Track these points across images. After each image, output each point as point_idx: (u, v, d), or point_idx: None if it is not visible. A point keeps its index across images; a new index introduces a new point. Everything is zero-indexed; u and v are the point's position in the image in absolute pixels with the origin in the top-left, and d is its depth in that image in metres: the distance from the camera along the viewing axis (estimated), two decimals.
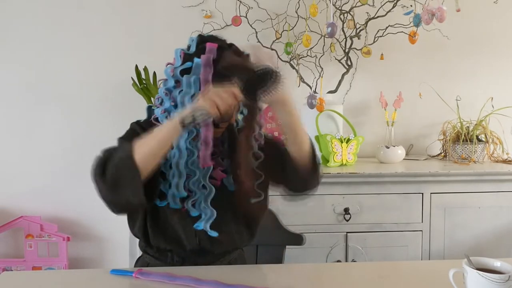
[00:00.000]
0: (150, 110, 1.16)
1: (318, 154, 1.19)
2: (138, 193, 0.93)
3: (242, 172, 1.05)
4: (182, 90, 1.03)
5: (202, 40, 1.05)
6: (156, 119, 1.08)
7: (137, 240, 1.18)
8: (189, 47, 1.07)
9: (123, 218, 1.16)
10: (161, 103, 1.07)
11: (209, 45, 1.02)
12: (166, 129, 0.96)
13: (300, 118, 1.07)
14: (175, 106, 1.05)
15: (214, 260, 1.15)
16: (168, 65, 1.08)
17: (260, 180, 1.08)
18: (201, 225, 1.07)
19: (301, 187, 1.17)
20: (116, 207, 0.98)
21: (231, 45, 1.08)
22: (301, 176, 1.11)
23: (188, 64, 1.03)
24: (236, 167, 1.07)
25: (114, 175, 0.92)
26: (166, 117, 1.06)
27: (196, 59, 1.02)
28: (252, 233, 1.19)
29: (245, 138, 1.06)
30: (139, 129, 1.10)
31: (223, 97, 0.94)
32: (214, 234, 1.07)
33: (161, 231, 1.10)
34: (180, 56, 1.05)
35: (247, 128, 1.06)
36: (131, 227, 1.16)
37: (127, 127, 1.13)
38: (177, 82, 1.04)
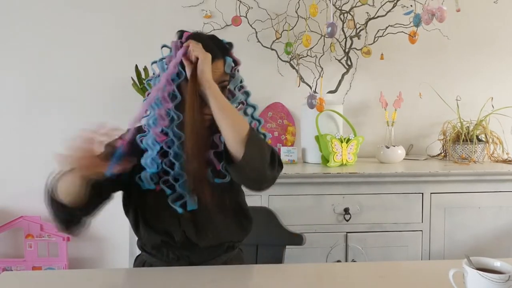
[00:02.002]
0: None
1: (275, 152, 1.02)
2: (63, 218, 1.02)
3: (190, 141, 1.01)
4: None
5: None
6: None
7: (137, 239, 1.18)
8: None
9: (123, 218, 1.16)
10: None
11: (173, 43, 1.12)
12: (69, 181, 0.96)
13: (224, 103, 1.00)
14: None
15: (208, 259, 1.13)
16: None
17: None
18: (177, 205, 1.05)
19: (242, 181, 1.05)
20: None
21: (212, 37, 1.13)
22: (238, 166, 0.97)
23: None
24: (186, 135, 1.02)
25: (46, 201, 1.03)
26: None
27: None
28: (244, 228, 1.17)
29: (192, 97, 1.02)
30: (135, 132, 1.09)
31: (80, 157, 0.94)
32: (180, 211, 1.04)
33: (150, 222, 1.11)
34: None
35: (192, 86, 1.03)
36: (129, 220, 1.17)
37: (127, 127, 1.13)
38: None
